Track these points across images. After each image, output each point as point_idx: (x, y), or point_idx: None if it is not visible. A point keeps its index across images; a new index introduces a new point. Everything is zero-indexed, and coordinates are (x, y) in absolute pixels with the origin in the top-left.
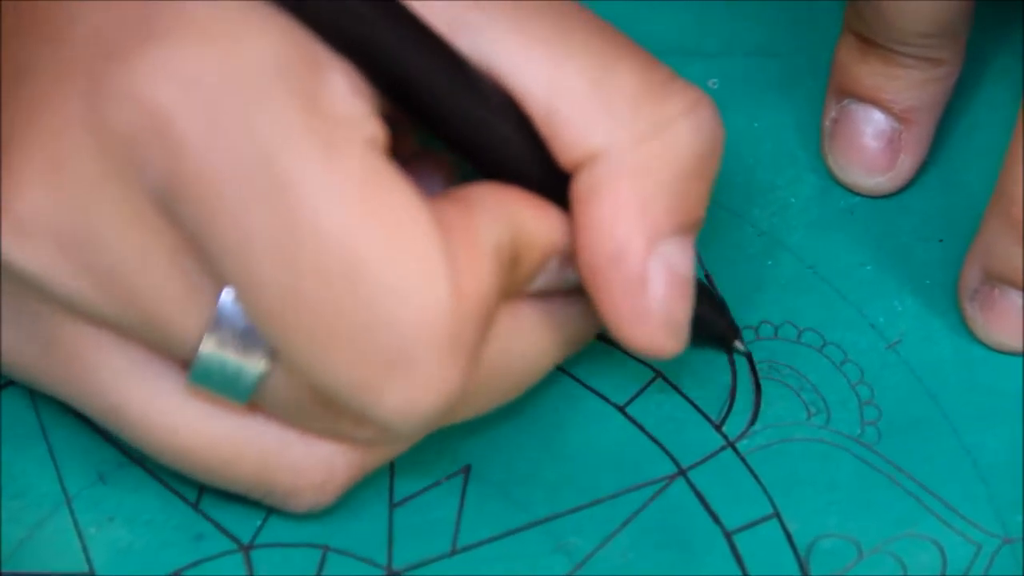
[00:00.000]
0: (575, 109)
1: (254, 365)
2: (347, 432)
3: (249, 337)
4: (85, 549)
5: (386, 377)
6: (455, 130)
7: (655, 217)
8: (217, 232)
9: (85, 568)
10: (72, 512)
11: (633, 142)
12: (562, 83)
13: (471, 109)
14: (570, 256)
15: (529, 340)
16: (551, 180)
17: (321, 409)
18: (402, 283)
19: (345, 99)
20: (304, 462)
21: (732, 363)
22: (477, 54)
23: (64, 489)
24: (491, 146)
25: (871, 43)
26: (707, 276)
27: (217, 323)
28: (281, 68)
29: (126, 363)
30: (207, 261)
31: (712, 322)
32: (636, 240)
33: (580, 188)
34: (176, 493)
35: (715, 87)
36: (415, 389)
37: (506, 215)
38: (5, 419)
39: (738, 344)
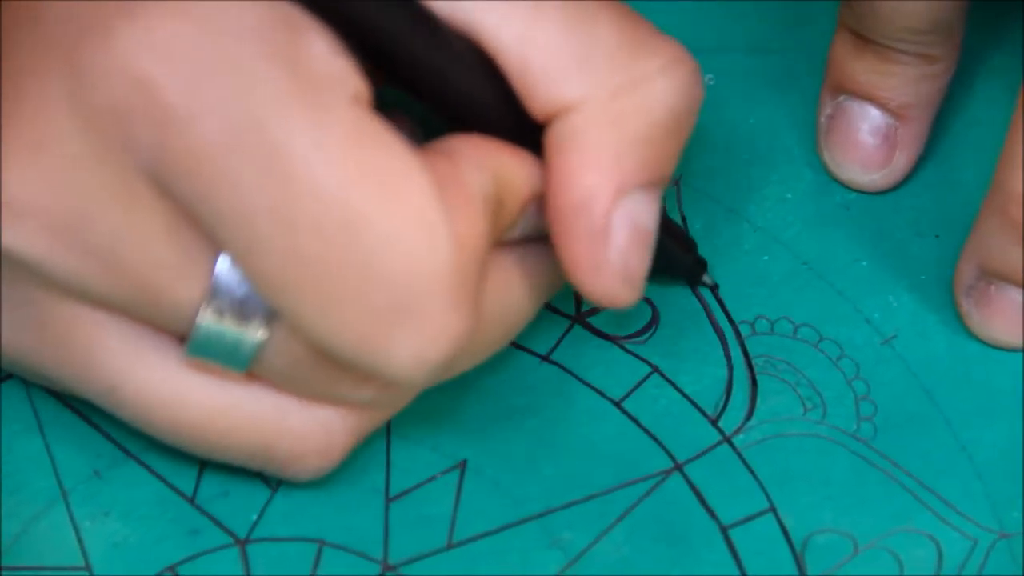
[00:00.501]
0: (549, 61)
1: (253, 333)
2: (346, 394)
3: (247, 305)
4: (81, 543)
5: (394, 331)
6: (426, 84)
7: (624, 170)
8: (212, 201)
9: (81, 562)
10: (68, 507)
11: (608, 96)
12: (536, 36)
13: (440, 63)
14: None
15: (513, 288)
16: (523, 130)
17: (320, 373)
18: (402, 235)
19: (326, 58)
20: (304, 428)
21: (728, 358)
22: (455, 12)
23: (60, 484)
24: (460, 98)
25: (866, 40)
26: (683, 218)
27: (214, 293)
28: (261, 33)
29: (122, 341)
30: (203, 230)
31: (679, 259)
32: (603, 191)
33: (553, 137)
34: (172, 487)
35: (711, 83)
36: (424, 340)
37: (488, 164)
38: (1, 414)
39: (705, 278)
